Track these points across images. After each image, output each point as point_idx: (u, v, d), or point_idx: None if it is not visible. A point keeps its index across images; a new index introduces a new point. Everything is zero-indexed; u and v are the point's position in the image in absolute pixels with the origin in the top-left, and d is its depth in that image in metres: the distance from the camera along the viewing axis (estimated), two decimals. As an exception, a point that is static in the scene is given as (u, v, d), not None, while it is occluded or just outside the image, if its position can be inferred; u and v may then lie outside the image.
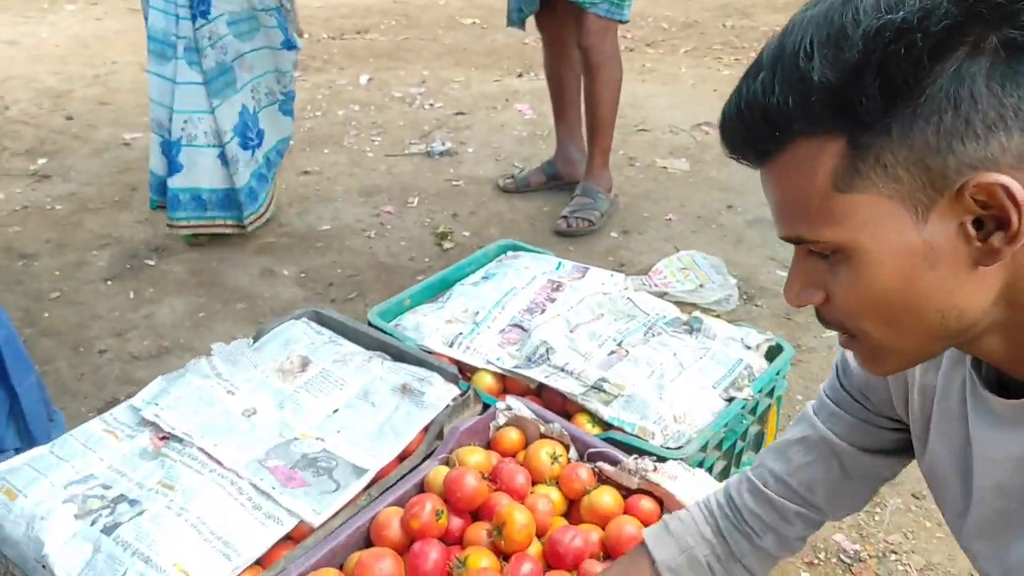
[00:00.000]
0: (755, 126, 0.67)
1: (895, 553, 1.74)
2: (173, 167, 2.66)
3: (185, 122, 2.61)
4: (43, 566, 1.23)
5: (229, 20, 2.60)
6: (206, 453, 1.41)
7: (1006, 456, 0.74)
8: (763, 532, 1.06)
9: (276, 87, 2.84)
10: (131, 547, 1.23)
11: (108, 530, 1.26)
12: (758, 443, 1.71)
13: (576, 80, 3.10)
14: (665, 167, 3.48)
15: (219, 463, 1.39)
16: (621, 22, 2.86)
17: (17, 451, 1.50)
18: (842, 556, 1.73)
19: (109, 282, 2.66)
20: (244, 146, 2.74)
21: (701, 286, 2.62)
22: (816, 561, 1.72)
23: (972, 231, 0.63)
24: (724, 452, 1.59)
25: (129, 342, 2.39)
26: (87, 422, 1.50)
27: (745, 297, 2.57)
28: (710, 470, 1.53)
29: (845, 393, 1.01)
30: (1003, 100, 0.60)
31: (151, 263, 2.76)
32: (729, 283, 2.64)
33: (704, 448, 1.49)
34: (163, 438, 1.45)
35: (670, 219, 3.06)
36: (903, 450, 0.99)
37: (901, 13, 0.59)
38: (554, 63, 3.11)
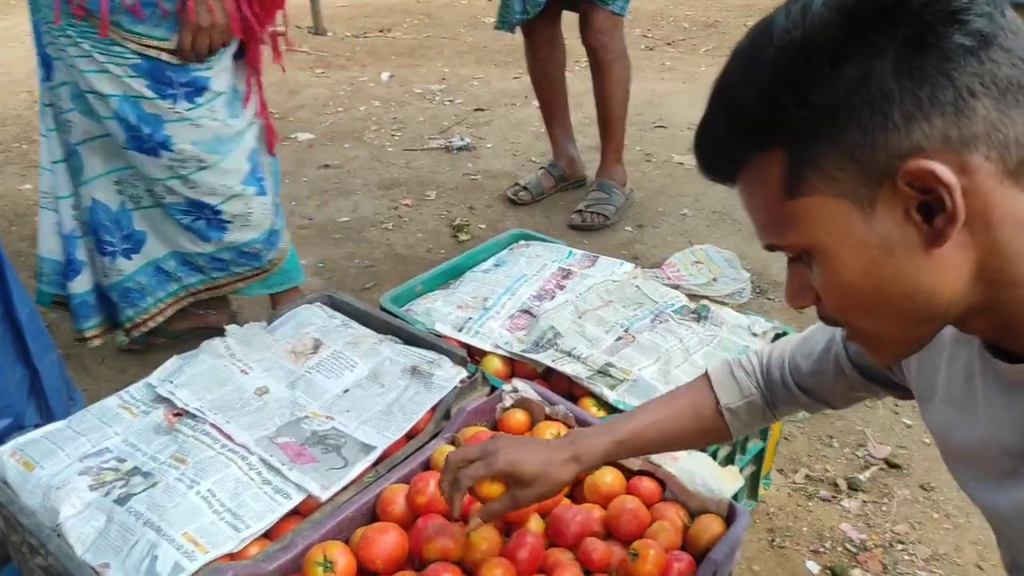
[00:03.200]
0: (712, 154, 0.75)
1: (901, 543, 1.74)
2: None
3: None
4: (58, 535, 1.26)
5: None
6: (218, 429, 1.44)
7: (1010, 417, 0.76)
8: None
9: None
10: (143, 517, 1.27)
11: (121, 501, 1.30)
12: (764, 430, 1.72)
13: (564, 79, 3.10)
14: (682, 163, 3.49)
15: (230, 439, 1.42)
16: (623, 17, 2.85)
17: (38, 427, 1.54)
18: (848, 545, 1.74)
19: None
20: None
21: (714, 280, 2.62)
22: (822, 550, 1.73)
23: (917, 216, 0.66)
24: (729, 438, 1.60)
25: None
26: (104, 398, 1.54)
27: (758, 291, 2.57)
28: (714, 455, 1.54)
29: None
30: (915, 92, 0.63)
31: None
32: (742, 277, 2.65)
33: (708, 432, 1.50)
34: (177, 414, 1.49)
35: (685, 214, 3.07)
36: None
37: (800, 30, 0.65)
38: (544, 64, 3.06)
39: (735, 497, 1.61)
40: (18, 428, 1.55)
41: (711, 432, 1.16)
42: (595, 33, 2.81)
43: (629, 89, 2.97)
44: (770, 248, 0.76)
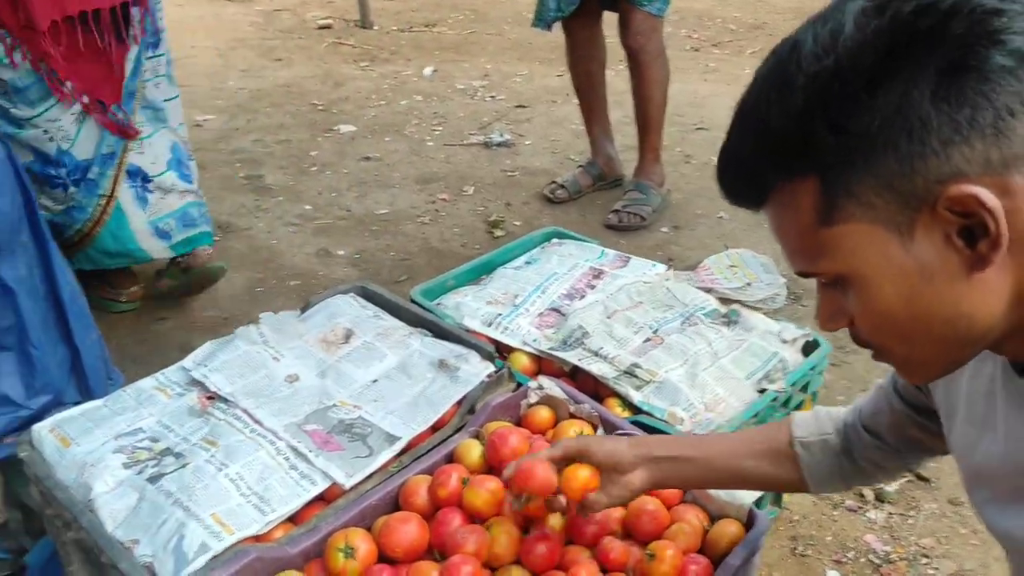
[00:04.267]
0: (738, 180, 0.74)
1: (926, 557, 1.72)
2: None
3: None
4: (90, 510, 1.30)
5: None
6: (248, 414, 1.47)
7: None
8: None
9: None
10: (173, 496, 1.30)
11: (153, 480, 1.34)
12: (791, 438, 1.71)
13: (604, 78, 3.10)
14: (722, 166, 3.46)
15: (260, 424, 1.45)
16: (662, 19, 2.84)
17: (77, 405, 1.59)
18: (872, 557, 1.72)
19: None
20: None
21: (749, 284, 2.60)
22: (845, 560, 1.72)
23: (959, 242, 0.65)
24: (754, 443, 1.59)
25: (190, 312, 2.49)
26: (140, 380, 1.58)
27: (793, 297, 2.55)
28: (738, 460, 1.54)
29: None
30: (953, 116, 0.62)
31: (216, 238, 2.87)
32: (778, 282, 2.62)
33: (732, 437, 1.50)
34: (210, 398, 1.52)
35: (722, 217, 3.05)
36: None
37: (833, 56, 0.64)
38: (585, 63, 3.07)
39: (757, 503, 1.61)
40: (58, 405, 1.60)
41: (781, 465, 1.13)
42: (633, 34, 2.81)
43: (667, 90, 2.96)
44: (802, 274, 0.75)
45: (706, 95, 4.24)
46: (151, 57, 2.29)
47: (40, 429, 1.43)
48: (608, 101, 3.22)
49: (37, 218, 1.61)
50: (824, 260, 0.71)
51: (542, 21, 2.91)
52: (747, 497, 1.35)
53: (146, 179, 2.32)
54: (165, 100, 2.36)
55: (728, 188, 0.75)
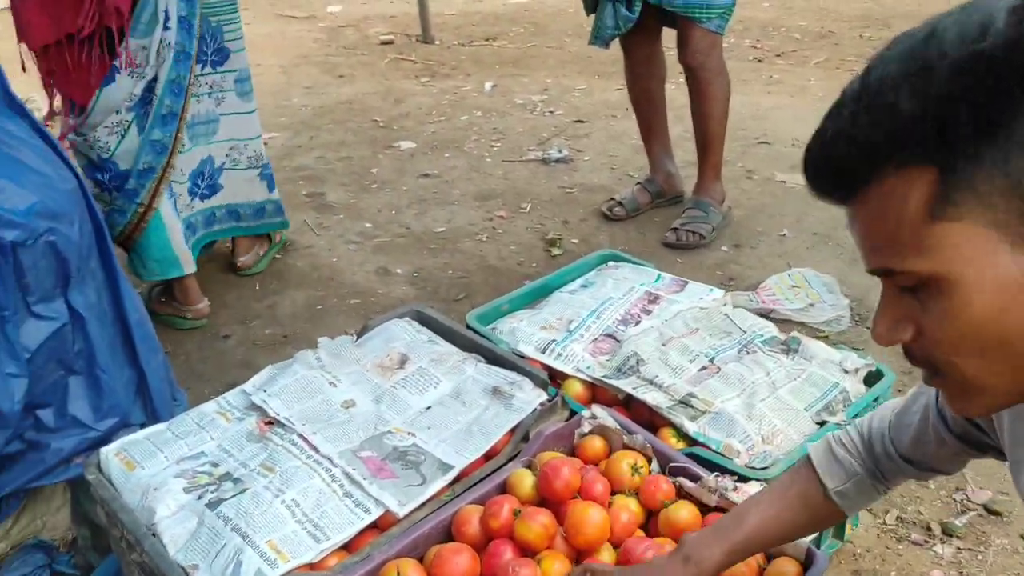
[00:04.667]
0: (844, 161, 0.68)
1: (996, 595, 1.66)
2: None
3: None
4: (153, 534, 1.34)
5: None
6: (305, 439, 1.50)
7: None
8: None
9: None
10: (231, 522, 1.33)
11: (212, 505, 1.37)
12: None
13: (663, 94, 3.07)
14: (784, 181, 3.40)
15: (316, 450, 1.48)
16: (722, 35, 2.80)
17: (142, 426, 1.64)
18: (938, 593, 1.67)
19: (238, 273, 2.83)
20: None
21: (811, 305, 2.56)
22: (910, 596, 1.67)
23: None
24: (813, 476, 1.56)
25: (252, 329, 2.55)
26: (203, 403, 1.62)
27: (857, 318, 2.49)
28: (796, 493, 1.51)
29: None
30: None
31: (277, 256, 2.93)
32: (841, 303, 2.57)
33: (789, 470, 1.47)
34: (268, 423, 1.56)
35: (784, 235, 3.00)
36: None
37: (986, 44, 0.60)
38: (643, 81, 3.04)
39: (819, 537, 1.57)
40: (124, 426, 1.65)
41: (826, 518, 1.15)
42: (692, 52, 2.77)
43: (728, 106, 2.92)
44: (879, 272, 0.71)
45: (769, 108, 4.18)
46: (210, 73, 2.44)
47: (107, 452, 1.48)
48: (668, 116, 3.20)
49: (107, 245, 1.66)
50: (918, 258, 0.66)
51: (599, 39, 2.89)
52: (805, 535, 1.31)
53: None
54: (225, 114, 2.51)
55: (824, 172, 0.70)
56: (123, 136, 2.29)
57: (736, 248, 2.94)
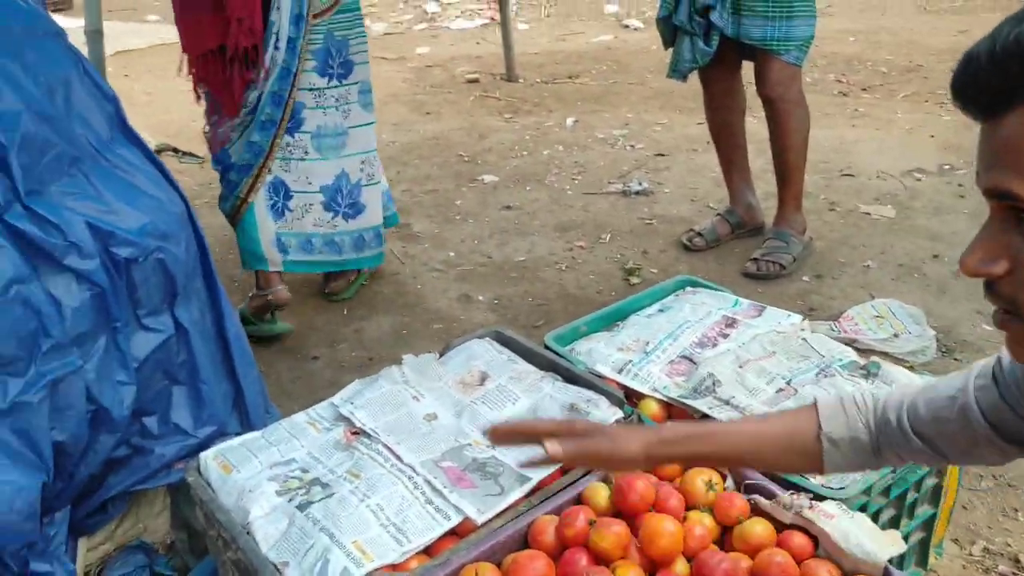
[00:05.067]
0: (1010, 69, 0.67)
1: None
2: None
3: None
4: (247, 532, 1.42)
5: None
6: (389, 449, 1.56)
7: None
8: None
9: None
10: (320, 523, 1.40)
11: (302, 507, 1.44)
12: (935, 496, 1.65)
13: (743, 126, 3.08)
14: (868, 213, 3.37)
15: (399, 459, 1.54)
16: (801, 68, 2.81)
17: (237, 435, 1.73)
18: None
19: (328, 298, 2.95)
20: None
21: (895, 335, 2.51)
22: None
23: None
24: (893, 500, 1.55)
25: (339, 352, 2.65)
26: (294, 414, 1.71)
27: (944, 350, 2.45)
28: (876, 517, 1.50)
29: (1003, 374, 0.99)
30: None
31: (365, 284, 3.04)
32: (927, 334, 2.52)
33: (868, 492, 1.46)
34: (355, 433, 1.63)
35: (868, 266, 2.97)
36: None
37: None
38: (723, 113, 3.08)
39: (900, 563, 1.55)
40: (221, 435, 1.75)
41: (803, 456, 1.11)
42: (771, 84, 2.79)
43: (807, 138, 2.92)
44: (996, 194, 0.70)
45: (853, 141, 4.14)
46: (336, 87, 2.60)
47: (205, 457, 1.57)
48: (750, 149, 3.21)
49: (210, 266, 1.78)
50: None
51: (677, 72, 2.94)
52: (882, 556, 1.31)
53: (288, 195, 2.65)
54: (352, 127, 2.66)
55: (979, 78, 0.68)
56: (241, 135, 2.55)
57: (818, 279, 2.92)
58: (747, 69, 3.00)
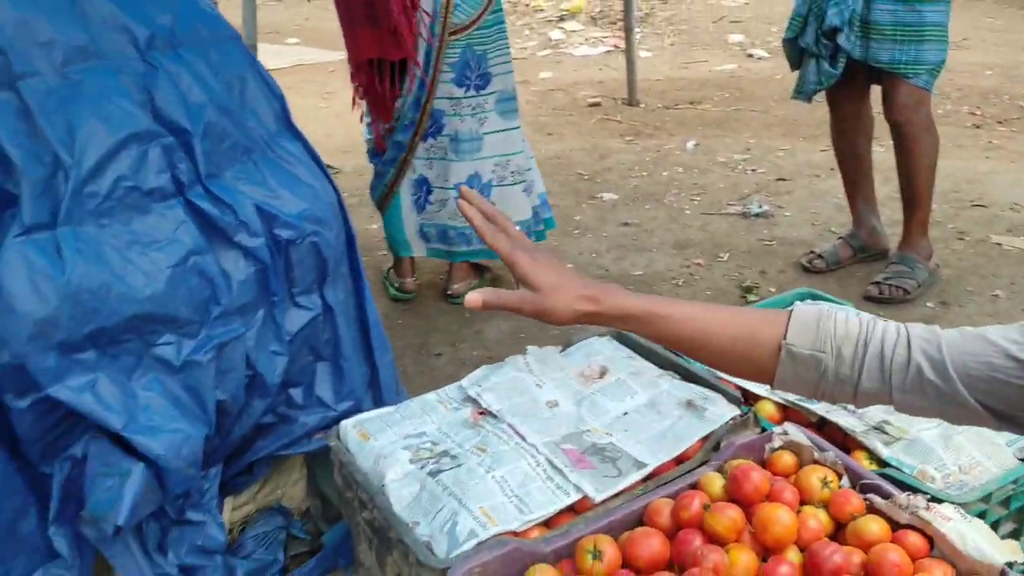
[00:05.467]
0: None
1: None
2: None
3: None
4: (382, 494, 1.54)
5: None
6: (513, 429, 1.66)
7: None
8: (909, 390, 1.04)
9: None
10: (448, 489, 1.50)
11: (432, 474, 1.55)
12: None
13: (869, 150, 3.06)
14: (999, 243, 3.28)
15: (523, 438, 1.63)
16: (930, 93, 2.78)
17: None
18: None
19: (450, 301, 3.10)
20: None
21: None
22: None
23: None
24: (1013, 513, 1.54)
25: (461, 351, 2.78)
26: (425, 394, 1.83)
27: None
28: (994, 527, 1.49)
29: None
30: None
31: (483, 286, 3.16)
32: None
33: (987, 499, 1.46)
34: (481, 413, 1.73)
35: (997, 295, 2.90)
36: None
37: None
38: (850, 136, 3.07)
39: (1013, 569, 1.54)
40: (357, 411, 1.88)
41: (751, 365, 1.08)
42: (899, 108, 2.78)
43: (935, 163, 2.88)
44: None
45: (986, 172, 4.03)
46: (473, 96, 2.83)
47: (346, 425, 1.71)
48: (876, 178, 3.19)
49: (355, 254, 1.93)
50: None
51: (802, 94, 2.96)
52: (999, 558, 1.31)
53: (429, 190, 2.97)
54: (487, 132, 2.89)
55: None
56: (390, 135, 2.91)
57: (943, 306, 2.87)
58: (876, 94, 3.00)
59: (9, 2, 1.41)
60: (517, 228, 1.23)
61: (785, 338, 1.06)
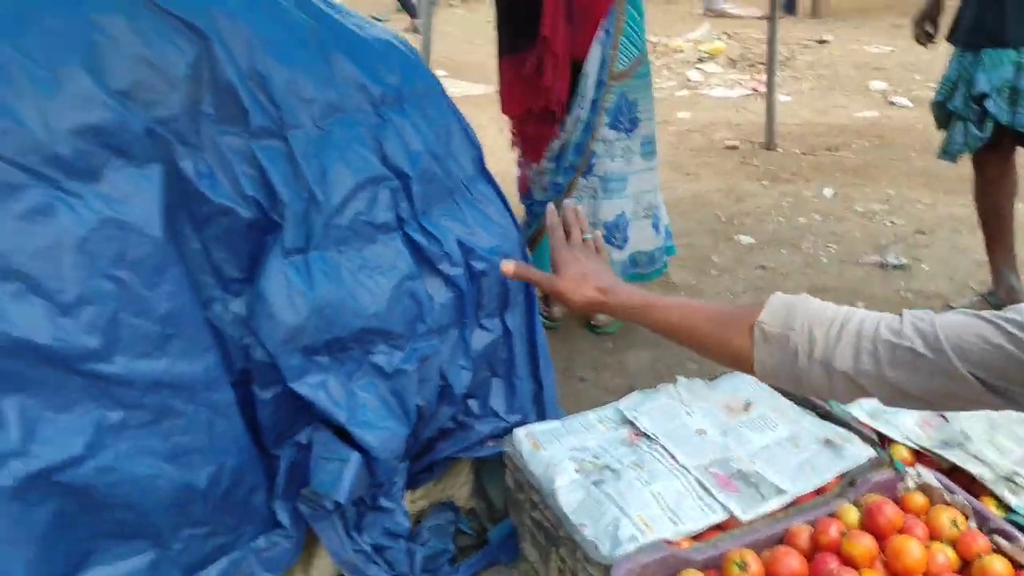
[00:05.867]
0: None
1: None
2: None
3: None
4: (553, 497, 1.78)
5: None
6: (667, 451, 1.88)
7: None
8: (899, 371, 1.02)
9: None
10: (611, 497, 1.74)
11: (596, 484, 1.79)
12: None
13: (1012, 210, 3.11)
14: None
15: (675, 460, 1.85)
16: None
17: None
18: None
19: (594, 331, 3.33)
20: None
21: None
22: None
23: None
24: None
25: (603, 377, 3.01)
26: (585, 412, 2.07)
27: None
28: (1118, 579, 1.61)
29: None
30: None
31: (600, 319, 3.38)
32: None
33: (1111, 552, 1.58)
34: (637, 435, 1.96)
35: None
36: None
37: None
38: (993, 196, 3.12)
39: None
40: (524, 423, 2.14)
41: (735, 344, 1.12)
42: None
43: None
44: None
45: None
46: (623, 139, 3.11)
47: (519, 433, 1.97)
48: (1019, 236, 3.24)
49: (531, 285, 2.19)
50: None
51: (948, 155, 3.06)
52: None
53: None
54: (632, 172, 3.15)
55: None
56: (544, 175, 3.13)
57: (1082, 368, 2.91)
58: (1022, 156, 3.07)
59: (286, 66, 1.73)
60: (587, 236, 1.50)
61: (759, 318, 1.10)
